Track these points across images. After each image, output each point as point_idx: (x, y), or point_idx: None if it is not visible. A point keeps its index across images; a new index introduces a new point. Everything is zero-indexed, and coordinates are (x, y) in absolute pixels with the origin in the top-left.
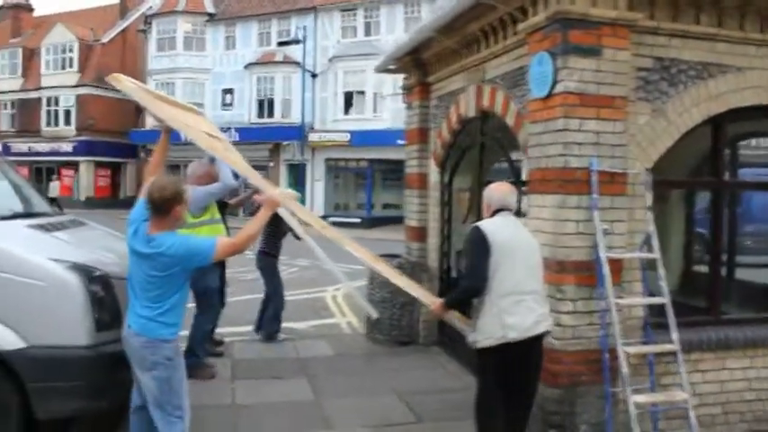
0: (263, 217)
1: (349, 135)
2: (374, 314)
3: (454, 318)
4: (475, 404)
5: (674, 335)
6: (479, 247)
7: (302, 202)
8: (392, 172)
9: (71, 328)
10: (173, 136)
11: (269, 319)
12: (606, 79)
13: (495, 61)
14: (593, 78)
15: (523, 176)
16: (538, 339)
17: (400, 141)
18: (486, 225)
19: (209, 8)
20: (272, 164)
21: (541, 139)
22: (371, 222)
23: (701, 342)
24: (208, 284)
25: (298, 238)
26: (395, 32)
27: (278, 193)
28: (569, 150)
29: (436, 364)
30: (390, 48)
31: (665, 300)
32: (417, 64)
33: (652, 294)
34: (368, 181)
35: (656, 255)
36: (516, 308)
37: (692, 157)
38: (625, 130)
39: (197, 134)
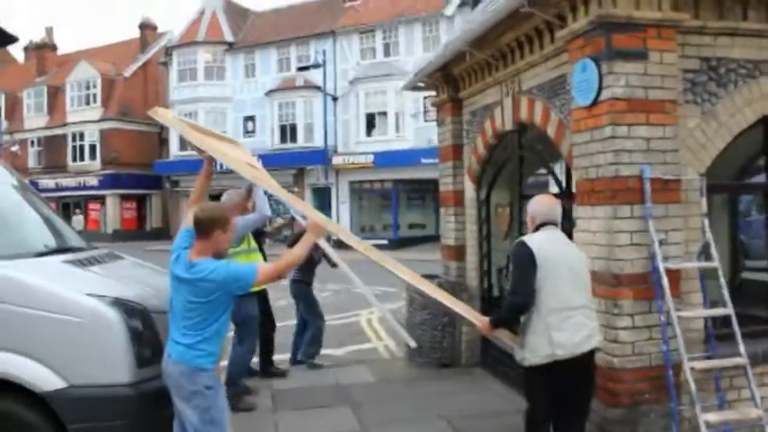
0: (307, 243)
1: (372, 156)
2: (412, 343)
3: (503, 335)
4: (524, 424)
5: (742, 347)
6: (525, 261)
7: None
8: (416, 191)
9: (112, 365)
10: (195, 165)
11: (308, 342)
12: (654, 83)
13: (532, 71)
14: (640, 83)
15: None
16: (588, 356)
17: (424, 160)
18: (532, 240)
19: (229, 37)
20: (296, 189)
21: (588, 148)
22: (399, 243)
23: (767, 354)
24: (247, 312)
25: (332, 265)
26: (414, 53)
27: (323, 219)
28: (619, 158)
29: (482, 386)
30: (412, 67)
31: (729, 310)
32: (447, 80)
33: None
34: (393, 202)
35: (716, 263)
36: (564, 324)
37: (736, 159)
38: (676, 134)
39: (239, 164)
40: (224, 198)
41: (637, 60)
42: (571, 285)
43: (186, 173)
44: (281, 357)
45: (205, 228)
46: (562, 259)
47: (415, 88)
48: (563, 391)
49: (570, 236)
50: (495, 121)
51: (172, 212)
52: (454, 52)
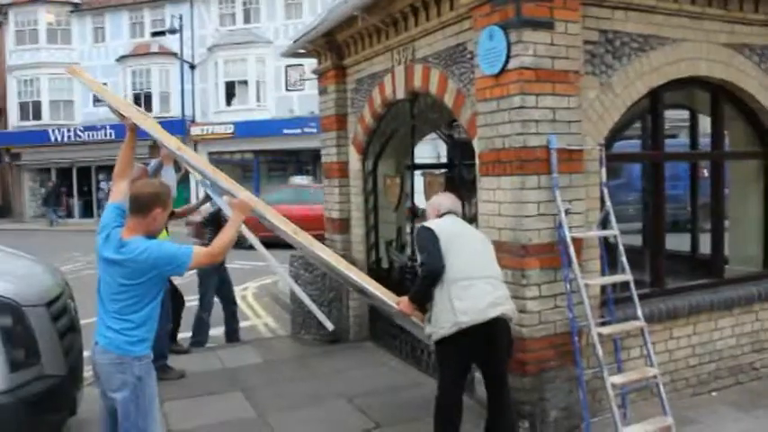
0: (236, 222)
1: (232, 127)
2: (329, 326)
3: (416, 316)
4: (435, 403)
5: (639, 311)
6: (428, 237)
7: (186, 199)
8: (278, 162)
9: None
10: (40, 136)
11: (197, 326)
12: (560, 53)
13: (428, 39)
14: (547, 52)
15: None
16: (497, 325)
17: (286, 131)
18: (431, 222)
19: None
20: (152, 161)
21: (494, 118)
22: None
23: (652, 314)
24: None
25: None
26: (276, 19)
27: (249, 195)
28: (527, 128)
29: (375, 361)
30: (273, 34)
31: (628, 276)
32: (331, 46)
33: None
34: (254, 173)
35: (616, 231)
36: (466, 292)
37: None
38: (579, 105)
39: (164, 133)
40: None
41: (544, 30)
42: (472, 258)
43: (29, 145)
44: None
45: (146, 204)
46: (462, 236)
47: (296, 54)
48: (476, 362)
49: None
50: (384, 89)
51: (13, 188)
52: (342, 17)
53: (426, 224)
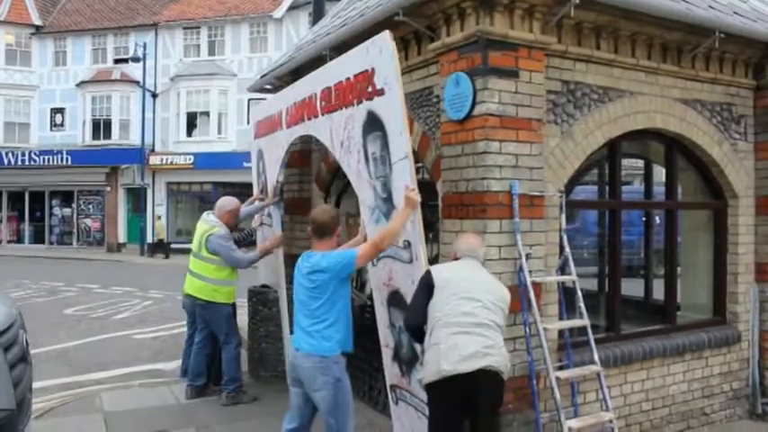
0: (405, 213)
1: (192, 157)
2: None
3: None
4: None
5: (596, 355)
6: (420, 286)
7: (143, 228)
8: (238, 195)
9: None
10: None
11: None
12: (524, 101)
13: None
14: (512, 100)
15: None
16: (483, 379)
17: (246, 164)
18: (437, 266)
19: (36, 20)
20: (108, 188)
21: (458, 162)
22: None
23: (608, 359)
24: (224, 314)
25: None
26: (240, 52)
27: (415, 193)
28: (490, 174)
29: None
30: (237, 67)
31: (585, 321)
32: None
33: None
34: (213, 205)
35: (575, 277)
36: (452, 338)
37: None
38: (541, 152)
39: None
40: (218, 204)
41: (509, 78)
42: (470, 304)
43: None
44: (107, 375)
45: (330, 228)
46: (465, 280)
47: (263, 90)
48: (461, 414)
49: None
50: None
51: None
52: (310, 55)
53: (430, 267)
